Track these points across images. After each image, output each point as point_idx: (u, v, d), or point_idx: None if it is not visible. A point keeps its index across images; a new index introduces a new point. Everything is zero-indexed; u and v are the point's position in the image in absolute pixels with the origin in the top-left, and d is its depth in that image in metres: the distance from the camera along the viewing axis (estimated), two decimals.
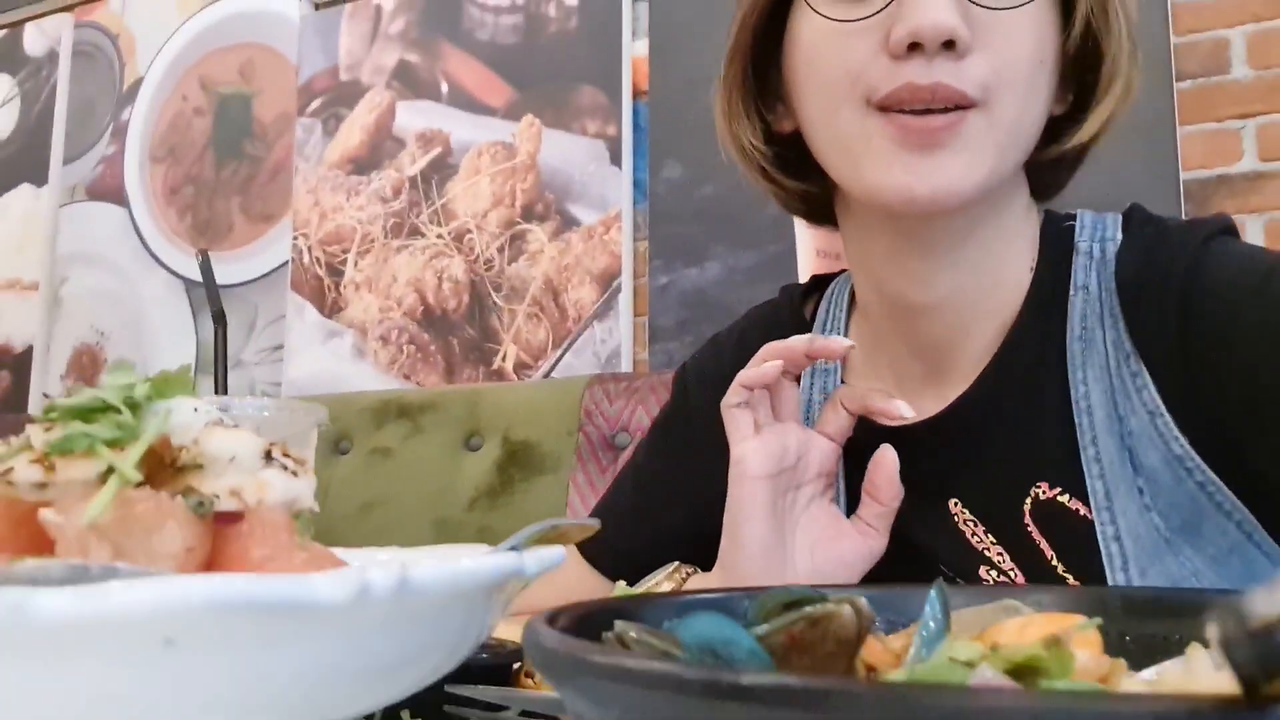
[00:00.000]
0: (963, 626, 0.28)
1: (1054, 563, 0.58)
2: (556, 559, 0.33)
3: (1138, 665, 0.27)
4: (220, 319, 0.61)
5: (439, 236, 1.97)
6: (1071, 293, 0.60)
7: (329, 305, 2.05)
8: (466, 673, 0.40)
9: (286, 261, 2.11)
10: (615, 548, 0.74)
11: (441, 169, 1.99)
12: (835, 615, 0.27)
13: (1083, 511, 0.58)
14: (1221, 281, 0.55)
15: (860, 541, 0.60)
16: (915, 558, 0.62)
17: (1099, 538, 0.56)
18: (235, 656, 0.24)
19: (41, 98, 2.44)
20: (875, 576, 0.61)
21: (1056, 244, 0.63)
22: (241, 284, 2.15)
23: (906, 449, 0.60)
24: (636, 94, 1.84)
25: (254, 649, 0.24)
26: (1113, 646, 0.27)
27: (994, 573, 0.60)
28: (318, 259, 2.07)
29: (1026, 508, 0.59)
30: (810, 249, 1.72)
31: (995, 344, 0.62)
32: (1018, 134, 0.56)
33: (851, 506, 0.63)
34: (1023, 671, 0.21)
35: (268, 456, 0.32)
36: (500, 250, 1.92)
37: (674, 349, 1.75)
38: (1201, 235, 0.58)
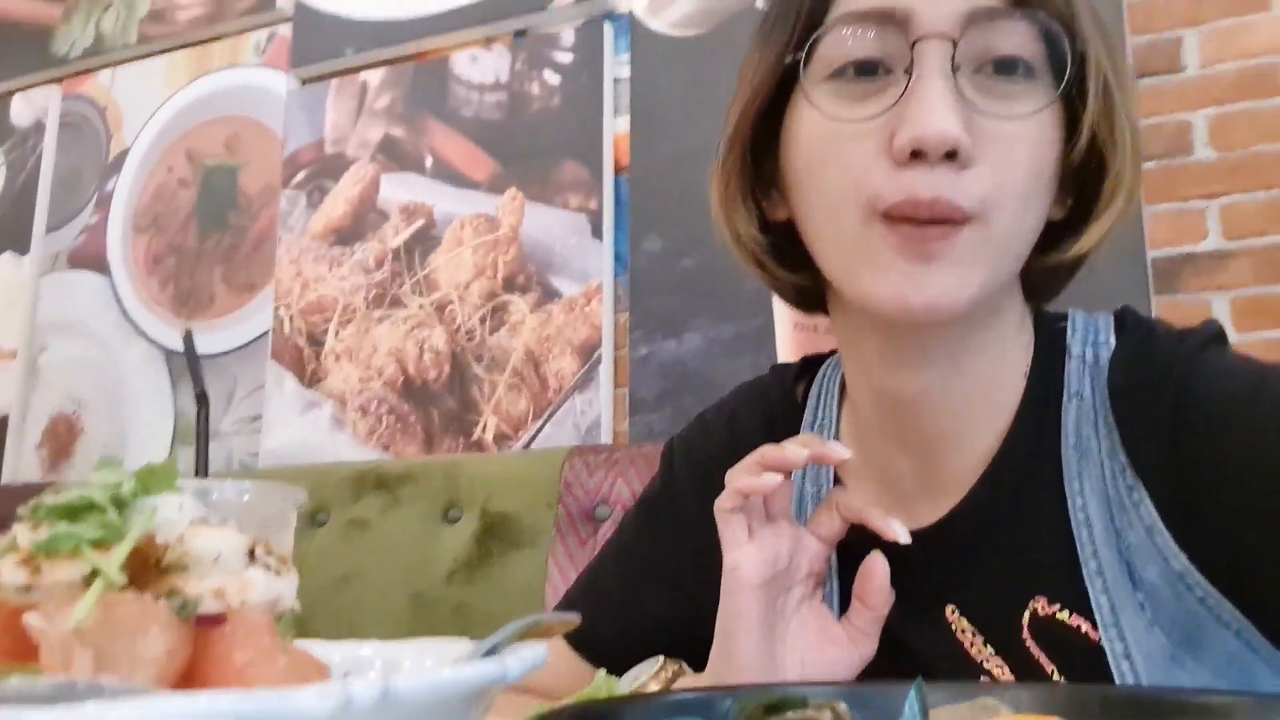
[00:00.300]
0: None
1: (1056, 679, 0.57)
2: (538, 660, 0.33)
3: None
4: (203, 400, 0.61)
5: (421, 307, 1.98)
6: (1065, 399, 0.60)
7: (309, 375, 2.05)
8: None
9: (267, 331, 2.11)
10: (598, 632, 0.72)
11: (424, 240, 2.01)
12: None
13: (1084, 628, 0.56)
14: (1214, 392, 0.55)
15: (850, 648, 0.59)
16: (910, 665, 0.60)
17: (1109, 655, 0.55)
18: None
19: (27, 167, 2.46)
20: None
21: (1049, 347, 0.62)
22: (221, 354, 2.15)
23: (900, 554, 0.59)
24: (618, 169, 1.88)
25: None
26: None
27: None
28: (299, 329, 2.08)
29: (1025, 622, 0.58)
30: (789, 322, 1.75)
31: (991, 450, 0.61)
32: (1013, 246, 0.55)
33: (844, 603, 0.62)
34: None
35: (251, 555, 0.33)
36: (482, 321, 1.93)
37: (654, 420, 1.76)
38: (1193, 344, 0.58)
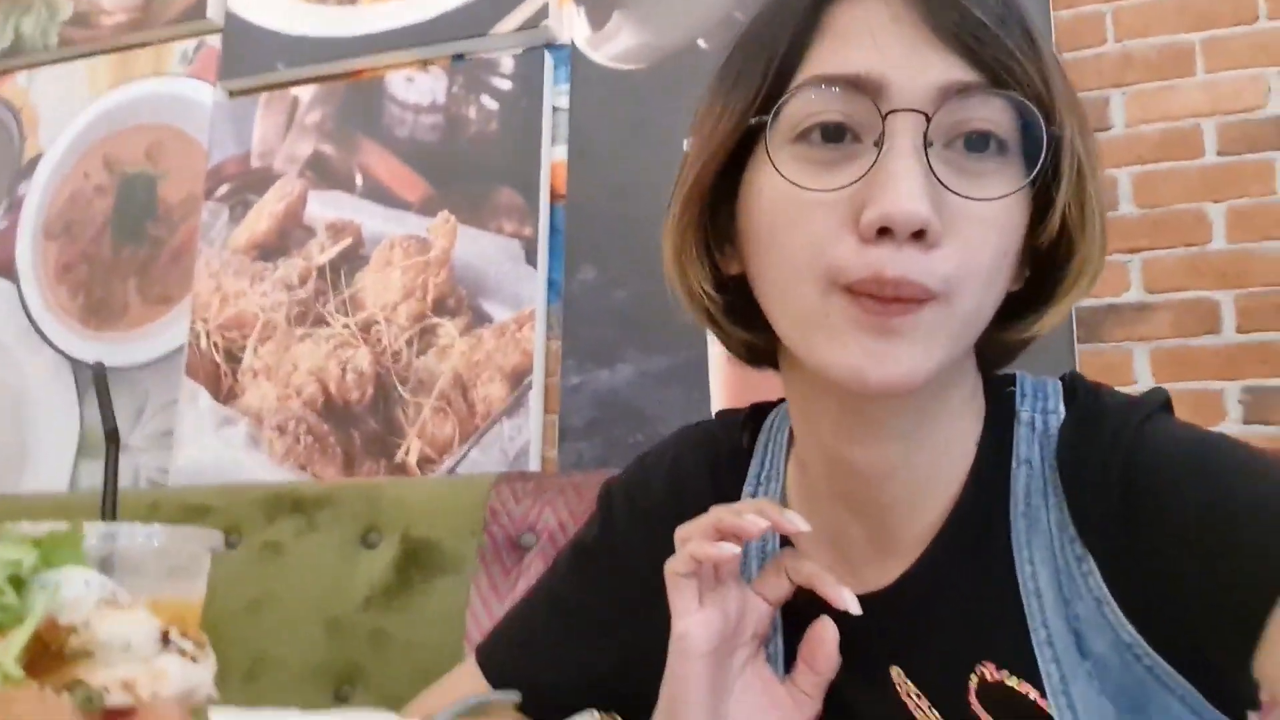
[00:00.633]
0: None
1: None
2: None
3: None
4: (113, 437, 0.58)
5: (345, 326, 1.94)
6: (1015, 466, 0.59)
7: (225, 392, 1.99)
8: None
9: (182, 345, 2.04)
10: (527, 680, 0.70)
11: (352, 259, 1.96)
12: None
13: (1033, 695, 0.56)
14: (1160, 462, 0.55)
15: (793, 711, 0.59)
16: None
17: None
18: None
19: None
20: None
21: (999, 414, 0.62)
22: (133, 367, 2.07)
23: (848, 616, 0.58)
24: (554, 197, 1.86)
25: None
26: None
27: None
28: (215, 344, 2.01)
29: (972, 687, 0.58)
30: (721, 356, 1.75)
31: (943, 516, 0.60)
32: (974, 323, 0.55)
33: (789, 660, 0.61)
34: None
35: (165, 639, 0.30)
36: (409, 343, 1.89)
37: (584, 448, 1.74)
38: (1140, 415, 0.58)
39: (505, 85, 1.91)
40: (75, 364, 2.11)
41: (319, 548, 1.50)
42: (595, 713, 0.62)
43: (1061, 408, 0.61)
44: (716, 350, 1.70)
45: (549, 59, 1.90)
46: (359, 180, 1.99)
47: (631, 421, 1.71)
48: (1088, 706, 0.54)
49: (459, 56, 1.97)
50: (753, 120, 0.55)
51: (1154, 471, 0.55)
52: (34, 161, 2.27)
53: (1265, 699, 0.50)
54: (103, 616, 0.29)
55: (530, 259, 1.83)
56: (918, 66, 0.52)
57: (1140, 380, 1.50)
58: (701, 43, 1.80)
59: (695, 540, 0.57)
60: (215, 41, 2.17)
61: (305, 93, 2.06)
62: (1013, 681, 0.56)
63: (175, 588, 0.57)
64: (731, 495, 0.68)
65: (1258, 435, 1.43)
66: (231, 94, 2.13)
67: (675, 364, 1.71)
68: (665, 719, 0.57)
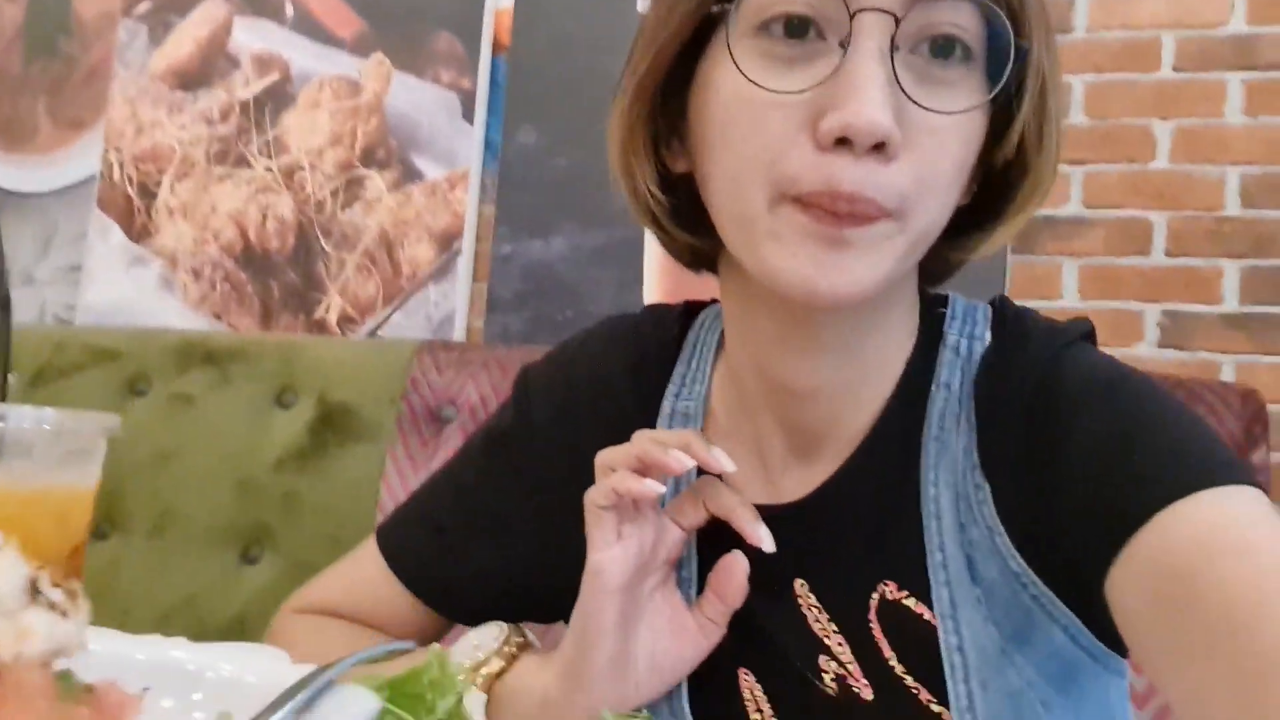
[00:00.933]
0: None
1: (892, 664, 0.58)
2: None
3: None
4: (6, 305, 0.54)
5: (268, 169, 1.85)
6: (934, 389, 0.60)
7: (137, 229, 1.90)
8: None
9: (94, 175, 1.93)
10: (428, 570, 0.70)
11: (278, 97, 1.86)
12: None
13: (927, 616, 0.57)
14: (1069, 390, 0.56)
15: (699, 638, 0.59)
16: (756, 641, 0.61)
17: (941, 646, 0.56)
18: None
19: None
20: (714, 661, 0.60)
21: (929, 334, 0.62)
22: (42, 194, 1.95)
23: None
24: (497, 48, 1.77)
25: None
26: None
27: (833, 664, 0.59)
28: (129, 177, 1.91)
29: (872, 604, 0.59)
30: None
31: (861, 433, 0.60)
32: (925, 238, 0.54)
33: (702, 583, 0.61)
34: None
35: (33, 590, 0.28)
36: (334, 194, 1.81)
37: (511, 321, 1.71)
38: (1058, 345, 0.58)
39: None
40: None
41: (231, 403, 1.46)
42: (502, 625, 0.62)
43: (988, 334, 0.61)
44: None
45: None
46: (289, 10, 1.87)
47: (563, 297, 1.68)
48: (974, 631, 0.56)
49: None
50: (714, 8, 0.53)
51: (1061, 400, 0.56)
52: None
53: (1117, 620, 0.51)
54: None
55: (467, 114, 1.75)
56: None
57: (1066, 296, 1.52)
58: None
59: (619, 474, 0.56)
60: None
61: None
62: (910, 602, 0.58)
63: (67, 474, 0.54)
64: (653, 398, 0.67)
65: (1171, 360, 1.46)
66: None
67: (612, 240, 1.67)
68: (575, 646, 0.57)
